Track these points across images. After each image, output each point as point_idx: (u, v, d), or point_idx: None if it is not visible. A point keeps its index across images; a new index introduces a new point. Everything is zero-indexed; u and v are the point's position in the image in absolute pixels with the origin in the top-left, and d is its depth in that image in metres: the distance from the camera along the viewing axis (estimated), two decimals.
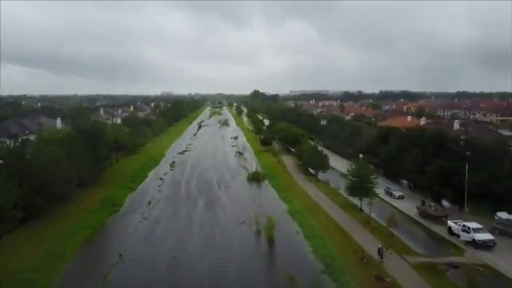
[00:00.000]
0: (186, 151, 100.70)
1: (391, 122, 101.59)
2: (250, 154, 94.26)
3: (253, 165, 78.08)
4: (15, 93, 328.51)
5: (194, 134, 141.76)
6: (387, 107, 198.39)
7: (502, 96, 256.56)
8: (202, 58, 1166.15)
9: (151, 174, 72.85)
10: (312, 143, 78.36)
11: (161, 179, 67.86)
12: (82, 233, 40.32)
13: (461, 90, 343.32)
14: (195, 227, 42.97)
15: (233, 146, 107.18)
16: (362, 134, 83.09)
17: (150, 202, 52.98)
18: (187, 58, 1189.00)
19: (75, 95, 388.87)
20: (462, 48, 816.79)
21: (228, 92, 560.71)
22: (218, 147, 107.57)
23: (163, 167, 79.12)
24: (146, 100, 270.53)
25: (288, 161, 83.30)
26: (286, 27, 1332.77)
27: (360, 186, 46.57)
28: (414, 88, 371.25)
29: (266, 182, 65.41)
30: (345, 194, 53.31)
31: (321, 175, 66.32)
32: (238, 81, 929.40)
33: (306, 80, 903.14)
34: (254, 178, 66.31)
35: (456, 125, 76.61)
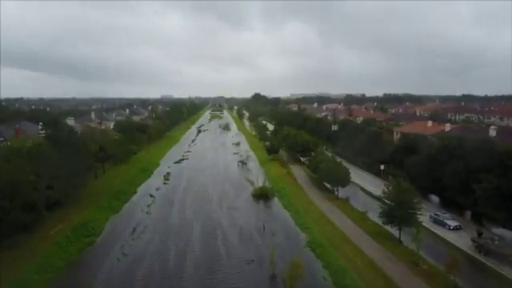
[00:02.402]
0: (183, 160, 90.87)
1: (410, 128, 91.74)
2: (254, 164, 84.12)
3: (259, 177, 67.69)
4: (13, 95, 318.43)
5: (193, 140, 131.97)
6: (393, 110, 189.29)
7: (509, 99, 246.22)
8: (201, 61, 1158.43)
9: (141, 188, 62.86)
10: (329, 154, 68.07)
11: (151, 196, 57.83)
12: (36, 281, 30.18)
13: (466, 93, 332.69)
14: (189, 270, 32.80)
15: (235, 154, 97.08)
16: (382, 142, 73.46)
17: (134, 230, 42.91)
18: (187, 60, 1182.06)
19: (73, 98, 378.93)
20: (463, 49, 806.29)
21: (228, 95, 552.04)
22: (218, 155, 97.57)
23: (156, 180, 69.13)
24: (145, 103, 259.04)
25: (298, 172, 73.26)
26: (286, 29, 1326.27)
27: (400, 214, 36.65)
28: (416, 91, 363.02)
29: (276, 199, 55.36)
30: (373, 217, 43.54)
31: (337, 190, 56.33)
32: (239, 84, 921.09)
33: (306, 83, 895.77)
34: (262, 196, 56.16)
35: (492, 131, 66.46)
